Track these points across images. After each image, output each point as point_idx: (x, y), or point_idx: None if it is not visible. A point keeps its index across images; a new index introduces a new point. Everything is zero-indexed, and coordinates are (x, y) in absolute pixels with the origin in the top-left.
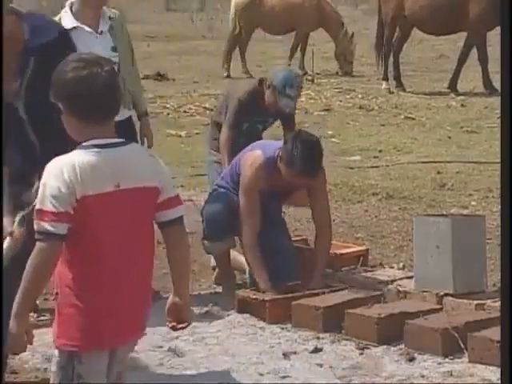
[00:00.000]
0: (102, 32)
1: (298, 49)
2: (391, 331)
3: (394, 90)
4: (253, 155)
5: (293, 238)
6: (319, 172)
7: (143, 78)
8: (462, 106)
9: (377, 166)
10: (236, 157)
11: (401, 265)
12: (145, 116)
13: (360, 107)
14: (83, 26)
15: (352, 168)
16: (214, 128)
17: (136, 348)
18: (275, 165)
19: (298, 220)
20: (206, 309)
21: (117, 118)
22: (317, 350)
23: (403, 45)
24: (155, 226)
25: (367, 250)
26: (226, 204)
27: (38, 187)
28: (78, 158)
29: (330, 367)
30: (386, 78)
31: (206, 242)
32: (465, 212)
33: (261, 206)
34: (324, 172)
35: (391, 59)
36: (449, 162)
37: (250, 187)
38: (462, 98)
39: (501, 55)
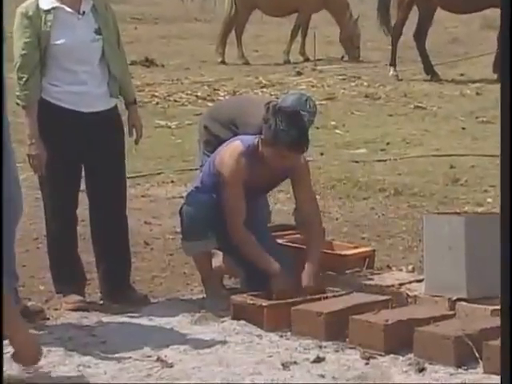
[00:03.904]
0: (84, 13)
1: (299, 32)
2: (399, 339)
3: (427, 78)
4: (231, 146)
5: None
6: (308, 144)
7: (130, 64)
8: (477, 94)
9: (384, 160)
10: (209, 158)
11: (410, 267)
12: (133, 104)
13: (366, 96)
14: (63, 5)
15: (357, 162)
16: (206, 132)
17: (122, 358)
18: (256, 153)
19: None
20: (198, 315)
21: (102, 107)
22: (319, 360)
23: (428, 30)
24: (146, 227)
25: (373, 251)
26: (205, 204)
27: None
28: None
29: (333, 378)
30: (393, 64)
31: (185, 242)
32: (480, 210)
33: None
34: (307, 162)
35: (404, 43)
36: (462, 155)
37: (234, 176)
38: (476, 85)
39: (501, 54)
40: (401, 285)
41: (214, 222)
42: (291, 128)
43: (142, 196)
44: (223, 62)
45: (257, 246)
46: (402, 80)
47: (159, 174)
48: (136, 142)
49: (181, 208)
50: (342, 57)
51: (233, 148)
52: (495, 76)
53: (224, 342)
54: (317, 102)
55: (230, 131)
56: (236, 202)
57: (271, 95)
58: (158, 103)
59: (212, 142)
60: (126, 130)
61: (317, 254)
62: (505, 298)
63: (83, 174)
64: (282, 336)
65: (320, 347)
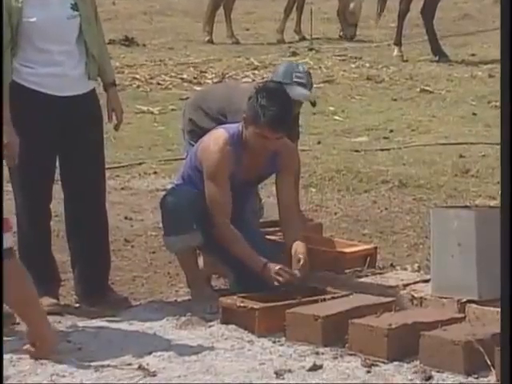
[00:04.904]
0: None
1: (294, 8)
2: (404, 345)
3: (435, 59)
4: (214, 135)
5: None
6: (291, 123)
7: (108, 43)
8: (490, 76)
9: (387, 149)
10: (191, 150)
11: (415, 266)
12: (112, 86)
13: (367, 78)
14: None
15: (358, 151)
16: (191, 123)
17: (99, 366)
18: (242, 140)
19: None
20: (183, 319)
21: (79, 91)
22: (315, 368)
23: (437, 5)
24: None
25: (375, 248)
26: (189, 195)
27: None
28: None
29: None
30: (398, 43)
31: (168, 237)
32: (492, 203)
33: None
34: (299, 160)
35: (408, 20)
36: (473, 143)
37: (218, 167)
38: (489, 66)
39: (500, 51)
40: (405, 285)
41: (199, 217)
42: (273, 104)
43: (122, 189)
44: (211, 42)
45: (244, 244)
46: (407, 61)
47: (140, 164)
48: (116, 129)
49: (161, 200)
50: (340, 35)
51: (216, 136)
52: None
53: (212, 349)
54: (314, 86)
55: (217, 122)
56: (221, 195)
57: (263, 78)
58: (138, 86)
59: (197, 133)
60: (104, 115)
61: (301, 234)
62: (505, 297)
63: (57, 164)
64: (275, 342)
65: (317, 354)
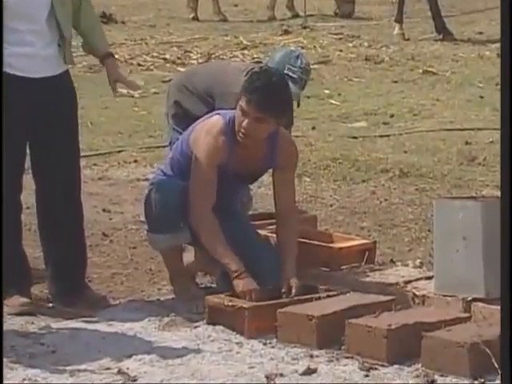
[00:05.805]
0: None
1: None
2: (405, 347)
3: (439, 38)
4: (208, 122)
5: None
6: (283, 102)
7: None
8: (499, 56)
9: (387, 135)
10: (182, 135)
11: (417, 262)
12: (109, 57)
13: (366, 59)
14: None
15: (355, 137)
16: (176, 106)
17: (75, 370)
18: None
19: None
20: (166, 319)
21: (51, 73)
22: (309, 372)
23: None
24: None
25: (374, 243)
26: (176, 190)
27: None
28: None
29: None
30: (399, 20)
31: (152, 234)
32: (500, 194)
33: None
34: (296, 150)
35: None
36: (480, 129)
37: (209, 156)
38: (497, 45)
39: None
40: (406, 283)
41: (186, 212)
42: (260, 78)
43: (100, 178)
44: (196, 19)
45: (220, 237)
46: (408, 40)
47: (120, 152)
48: (135, 90)
49: (147, 194)
50: (336, 12)
51: (211, 124)
52: None
53: (197, 351)
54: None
55: (205, 104)
56: (206, 184)
57: (253, 58)
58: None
59: (182, 117)
60: (89, 99)
61: (296, 247)
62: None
63: (28, 152)
64: (266, 344)
65: (311, 357)
